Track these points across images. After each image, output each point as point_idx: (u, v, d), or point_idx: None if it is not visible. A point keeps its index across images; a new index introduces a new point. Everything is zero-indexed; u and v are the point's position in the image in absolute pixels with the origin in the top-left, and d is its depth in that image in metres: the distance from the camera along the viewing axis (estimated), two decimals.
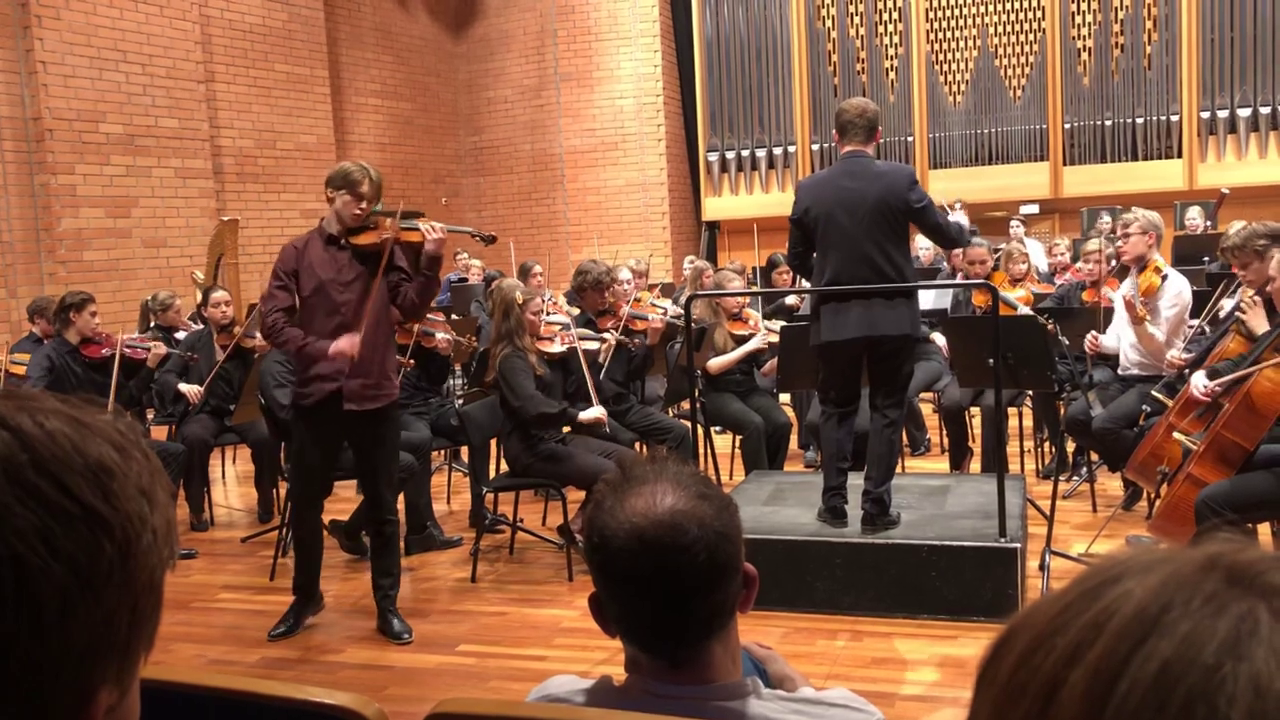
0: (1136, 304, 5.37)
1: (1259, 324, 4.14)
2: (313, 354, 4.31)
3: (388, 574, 4.59)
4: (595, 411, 5.34)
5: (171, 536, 0.64)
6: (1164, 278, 5.46)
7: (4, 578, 0.54)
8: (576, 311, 6.56)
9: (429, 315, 6.41)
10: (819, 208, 4.56)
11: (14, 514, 0.54)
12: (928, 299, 6.92)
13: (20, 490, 0.55)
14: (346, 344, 4.24)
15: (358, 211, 4.32)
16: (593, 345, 5.75)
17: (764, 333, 6.55)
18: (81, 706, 0.58)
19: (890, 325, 4.47)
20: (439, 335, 6.26)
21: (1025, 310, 6.12)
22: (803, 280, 5.04)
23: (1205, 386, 4.21)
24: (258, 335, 6.52)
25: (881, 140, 12.91)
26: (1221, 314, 5.43)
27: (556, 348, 5.48)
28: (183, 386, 6.38)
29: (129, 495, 0.60)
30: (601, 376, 5.83)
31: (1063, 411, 6.13)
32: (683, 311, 5.52)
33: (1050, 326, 5.17)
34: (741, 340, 6.56)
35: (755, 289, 8.36)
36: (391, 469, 4.57)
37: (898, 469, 5.45)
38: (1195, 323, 5.45)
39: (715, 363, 6.49)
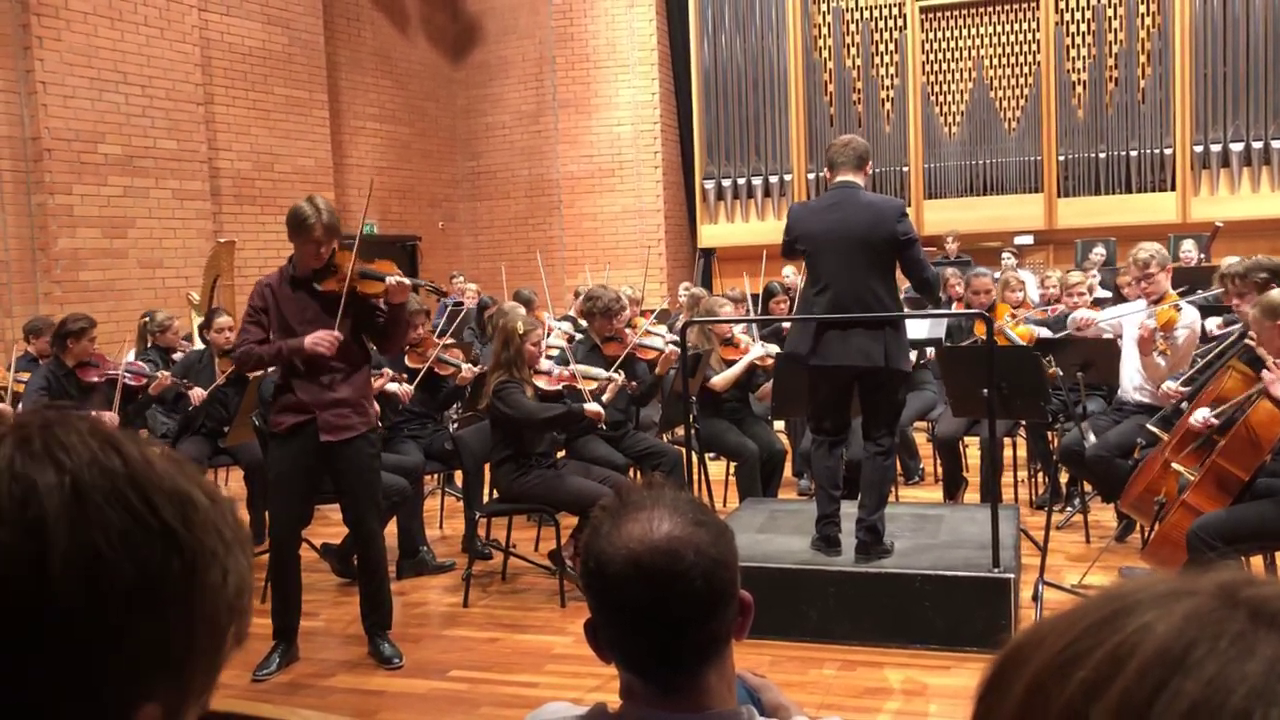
0: (1157, 338, 5.36)
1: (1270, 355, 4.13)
2: (289, 351, 4.33)
3: (377, 607, 4.56)
4: (594, 405, 5.40)
5: (243, 598, 0.68)
6: (1180, 310, 5.47)
7: (81, 563, 0.59)
8: (580, 336, 6.57)
9: (453, 347, 6.46)
10: (808, 236, 4.63)
11: (103, 512, 0.60)
12: (924, 327, 6.94)
13: (112, 495, 0.61)
14: (323, 337, 4.27)
15: (315, 263, 4.35)
16: (592, 384, 5.74)
17: (761, 346, 6.58)
18: (125, 711, 0.61)
19: (871, 357, 4.50)
20: (463, 368, 6.27)
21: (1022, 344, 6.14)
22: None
23: (1204, 418, 4.22)
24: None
25: (877, 170, 13.08)
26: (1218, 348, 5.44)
27: (549, 386, 5.48)
28: (191, 391, 6.41)
29: (206, 529, 0.65)
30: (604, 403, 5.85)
31: (1056, 442, 6.14)
32: (677, 337, 5.54)
33: (1051, 371, 5.17)
34: (749, 373, 6.59)
35: (750, 316, 8.37)
36: (373, 497, 4.54)
37: (891, 498, 5.46)
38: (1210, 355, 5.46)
39: (719, 379, 6.50)
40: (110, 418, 5.89)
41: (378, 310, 4.49)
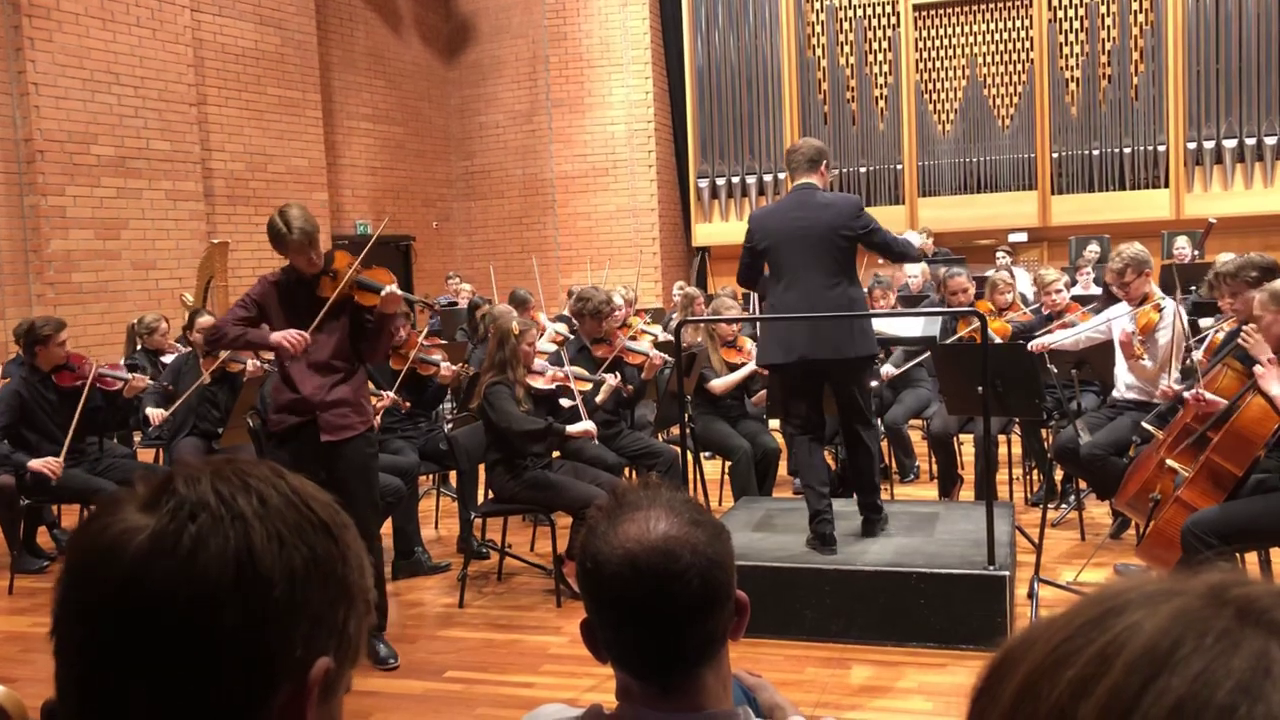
0: (1134, 342, 5.40)
1: (1262, 352, 4.14)
2: (255, 340, 4.39)
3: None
4: (585, 424, 5.36)
5: (370, 580, 0.88)
6: (1161, 310, 5.48)
7: (273, 543, 0.79)
8: (571, 336, 6.57)
9: (429, 344, 6.44)
10: (770, 237, 4.79)
11: (281, 512, 0.81)
12: (917, 326, 6.94)
13: (285, 501, 0.82)
14: (290, 337, 4.26)
15: (310, 269, 4.35)
16: (587, 386, 5.75)
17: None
18: (308, 661, 0.79)
19: (841, 349, 4.67)
20: (442, 366, 6.26)
21: (1000, 342, 6.15)
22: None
23: (1195, 393, 4.23)
24: (246, 361, 6.51)
25: (871, 168, 13.08)
26: (1204, 343, 5.46)
27: (544, 385, 5.49)
28: (149, 410, 6.35)
29: (347, 528, 0.87)
30: (597, 404, 5.85)
31: (1050, 439, 6.15)
32: (672, 336, 5.55)
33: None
34: (735, 368, 6.59)
35: (747, 315, 8.38)
36: (371, 497, 4.52)
37: (886, 496, 5.50)
38: (1196, 356, 5.46)
39: (718, 383, 6.51)
40: (50, 466, 5.68)
41: (368, 317, 4.47)
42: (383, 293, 4.35)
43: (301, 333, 4.29)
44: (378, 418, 5.86)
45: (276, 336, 4.29)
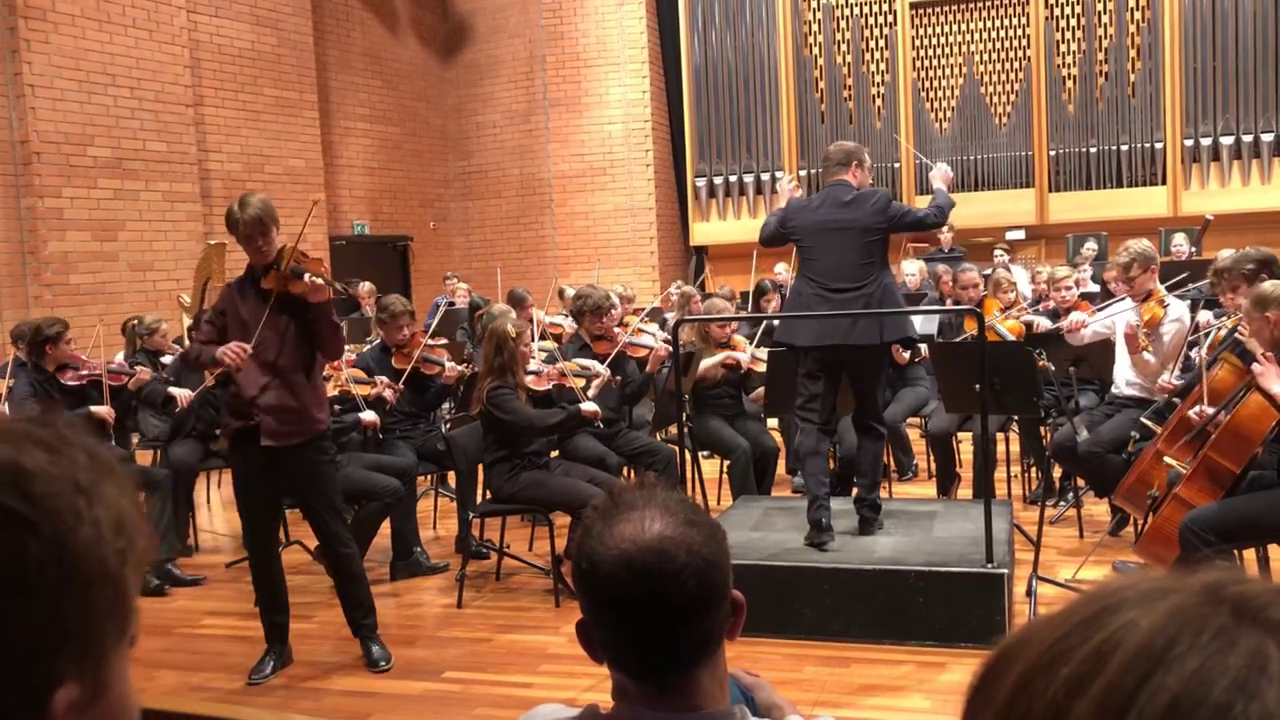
0: (1140, 335, 5.40)
1: (1258, 349, 4.14)
2: (207, 359, 4.33)
3: (358, 605, 4.54)
4: (590, 405, 5.46)
5: (126, 527, 0.63)
6: (1166, 306, 5.48)
7: None
8: (571, 332, 6.57)
9: (434, 344, 6.42)
10: (801, 231, 4.95)
11: None
12: (915, 324, 6.93)
13: None
14: (229, 351, 4.19)
15: (259, 258, 4.28)
16: (581, 381, 5.76)
17: (749, 354, 6.57)
18: (38, 704, 0.57)
19: (869, 335, 4.79)
20: (448, 366, 6.26)
21: (1012, 340, 6.14)
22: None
23: (1199, 409, 4.23)
24: None
25: (872, 166, 13.02)
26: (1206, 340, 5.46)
27: (540, 386, 5.50)
28: (174, 390, 6.37)
29: (55, 493, 0.60)
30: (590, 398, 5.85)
31: (1048, 437, 6.15)
32: (670, 335, 5.57)
33: (1041, 364, 5.18)
34: (731, 368, 6.58)
35: (743, 314, 8.37)
36: (328, 503, 4.42)
37: (885, 494, 5.51)
38: (1195, 354, 5.46)
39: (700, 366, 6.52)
40: (106, 412, 5.87)
41: (309, 310, 4.33)
42: (305, 279, 4.19)
43: (242, 344, 4.20)
44: (389, 390, 5.88)
45: (219, 352, 4.21)
